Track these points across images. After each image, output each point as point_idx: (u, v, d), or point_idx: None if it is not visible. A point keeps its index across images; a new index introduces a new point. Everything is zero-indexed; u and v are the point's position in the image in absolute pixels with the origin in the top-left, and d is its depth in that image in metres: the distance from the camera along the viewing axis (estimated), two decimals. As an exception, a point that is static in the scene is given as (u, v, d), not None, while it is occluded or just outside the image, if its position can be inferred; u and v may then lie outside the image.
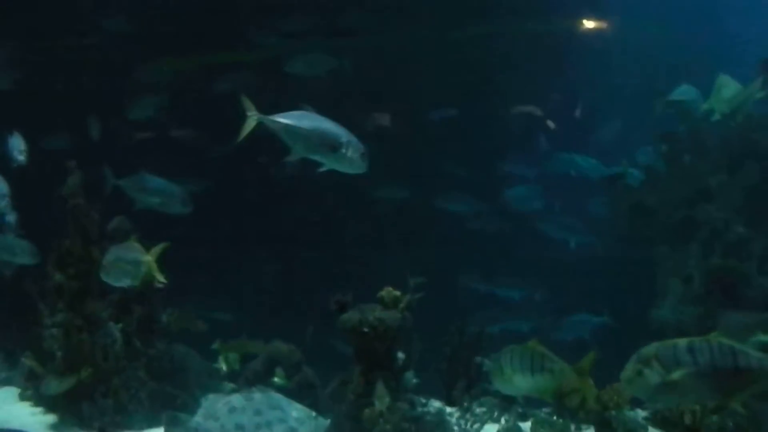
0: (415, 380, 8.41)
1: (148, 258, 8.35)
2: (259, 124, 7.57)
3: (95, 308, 9.29)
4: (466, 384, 8.84)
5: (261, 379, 9.49)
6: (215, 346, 9.99)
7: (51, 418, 9.28)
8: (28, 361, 9.80)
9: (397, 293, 8.22)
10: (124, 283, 8.48)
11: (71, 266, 9.40)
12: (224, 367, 9.90)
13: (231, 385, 9.95)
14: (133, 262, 8.35)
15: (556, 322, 12.69)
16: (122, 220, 9.68)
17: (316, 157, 7.72)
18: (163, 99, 13.69)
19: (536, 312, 13.16)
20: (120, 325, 9.38)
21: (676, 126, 11.86)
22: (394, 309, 8.17)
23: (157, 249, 8.41)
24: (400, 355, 8.28)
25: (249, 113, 7.58)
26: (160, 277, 8.49)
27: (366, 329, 8.03)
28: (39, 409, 9.53)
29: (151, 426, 9.06)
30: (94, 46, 13.70)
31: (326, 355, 10.05)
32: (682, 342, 5.59)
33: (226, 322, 11.10)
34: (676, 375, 5.50)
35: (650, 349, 5.66)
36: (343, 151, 7.58)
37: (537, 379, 6.61)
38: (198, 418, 8.14)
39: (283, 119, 7.56)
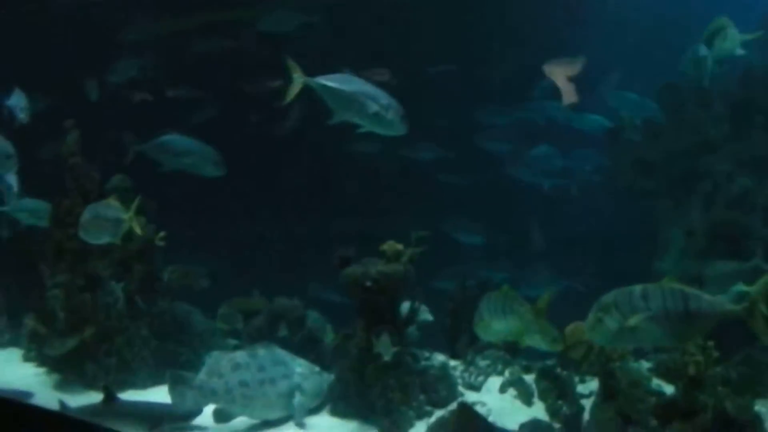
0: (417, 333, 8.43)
1: (129, 215, 8.34)
2: (305, 87, 7.72)
3: (96, 267, 9.29)
4: (469, 338, 8.81)
5: (264, 336, 9.50)
6: (221, 310, 10.02)
7: (55, 378, 9.33)
8: (30, 322, 9.82)
9: (400, 247, 8.21)
10: (103, 240, 8.52)
11: (71, 226, 9.35)
12: (224, 327, 9.91)
13: (234, 342, 9.97)
14: (112, 219, 8.35)
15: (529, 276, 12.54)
16: (123, 178, 9.67)
17: (357, 120, 7.91)
18: (147, 61, 13.55)
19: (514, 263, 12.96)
20: (122, 284, 9.38)
21: (677, 77, 11.74)
22: (397, 262, 8.16)
23: (133, 205, 8.41)
24: (405, 307, 8.30)
25: (295, 75, 7.74)
26: (140, 232, 8.49)
27: (369, 283, 8.02)
28: (43, 370, 9.58)
29: (155, 384, 9.10)
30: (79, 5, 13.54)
31: (329, 310, 10.04)
32: (637, 288, 5.88)
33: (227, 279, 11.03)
34: (632, 321, 5.82)
35: (609, 297, 5.96)
36: (384, 113, 7.79)
37: (509, 321, 6.85)
38: (202, 376, 8.15)
39: (328, 81, 7.75)
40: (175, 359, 9.36)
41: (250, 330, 9.77)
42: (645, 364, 8.48)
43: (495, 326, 6.99)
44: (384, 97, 7.91)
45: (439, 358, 8.41)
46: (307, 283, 12.08)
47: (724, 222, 10.41)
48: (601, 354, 7.94)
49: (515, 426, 7.46)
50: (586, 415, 7.68)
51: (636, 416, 7.20)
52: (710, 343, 7.17)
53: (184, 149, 10.24)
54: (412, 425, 7.81)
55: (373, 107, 7.82)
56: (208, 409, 8.05)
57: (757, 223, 10.46)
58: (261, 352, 8.33)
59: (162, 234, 9.56)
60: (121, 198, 9.26)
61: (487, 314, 6.99)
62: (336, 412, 8.32)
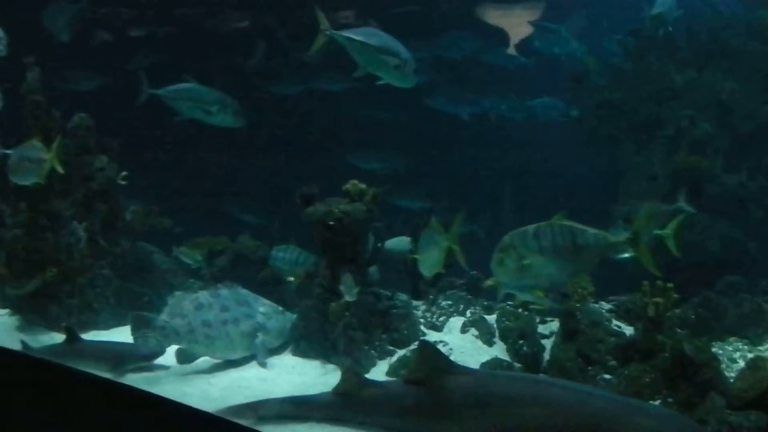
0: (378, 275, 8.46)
1: (50, 155, 8.32)
2: (330, 39, 8.03)
3: (58, 207, 9.20)
4: (432, 277, 8.85)
5: (227, 275, 9.50)
6: (181, 249, 9.96)
7: (17, 319, 9.26)
8: (-9, 263, 9.73)
9: (363, 186, 8.20)
10: (30, 181, 8.52)
11: (32, 165, 9.28)
12: (190, 262, 9.87)
13: (197, 283, 9.95)
14: (36, 160, 8.33)
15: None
16: (84, 118, 9.54)
17: (378, 73, 8.21)
18: (83, 7, 13.08)
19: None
20: (84, 224, 9.31)
21: (643, 22, 11.73)
22: (360, 202, 8.16)
23: (54, 145, 8.39)
24: (369, 244, 8.33)
25: (322, 27, 8.01)
26: (60, 170, 8.45)
27: (331, 222, 8.02)
28: (5, 311, 9.48)
29: (118, 325, 9.09)
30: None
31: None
32: (531, 228, 6.25)
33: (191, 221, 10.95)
34: (527, 259, 6.18)
35: (506, 238, 6.32)
36: (403, 66, 8.16)
37: (431, 252, 7.22)
38: (164, 317, 8.14)
39: (354, 35, 8.05)
40: (138, 299, 9.35)
41: (213, 270, 9.76)
42: (605, 306, 8.57)
43: (424, 259, 7.34)
44: (404, 52, 8.21)
45: (402, 297, 8.42)
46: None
47: (686, 166, 10.48)
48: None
49: (477, 365, 7.54)
50: (546, 355, 7.76)
51: (596, 356, 7.30)
52: (670, 285, 7.26)
53: (203, 97, 10.00)
54: (374, 364, 7.86)
55: (395, 61, 8.13)
56: (171, 349, 8.05)
57: (718, 168, 10.56)
58: (224, 292, 8.35)
59: (124, 173, 9.49)
60: (83, 138, 9.24)
61: (419, 249, 7.42)
62: (298, 352, 8.36)
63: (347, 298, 7.75)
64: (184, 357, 8.02)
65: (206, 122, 10.03)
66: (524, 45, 13.10)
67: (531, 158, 12.97)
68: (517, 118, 12.55)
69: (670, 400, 6.73)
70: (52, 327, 8.92)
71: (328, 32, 8.02)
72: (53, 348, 8.17)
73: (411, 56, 8.26)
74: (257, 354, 8.18)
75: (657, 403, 6.71)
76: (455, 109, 12.38)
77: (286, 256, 9.25)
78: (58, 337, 8.38)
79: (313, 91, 12.69)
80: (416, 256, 7.55)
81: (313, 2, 8.16)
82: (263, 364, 8.10)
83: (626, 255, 6.74)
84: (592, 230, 6.22)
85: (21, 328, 9.08)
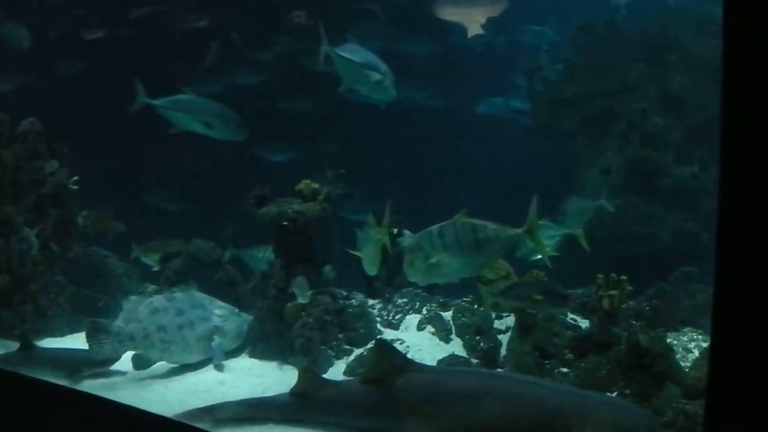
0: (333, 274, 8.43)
1: None
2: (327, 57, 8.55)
3: (9, 213, 9.09)
4: (386, 275, 8.85)
5: (182, 279, 9.44)
6: (135, 253, 9.86)
7: (-31, 327, 9.14)
8: (-57, 271, 9.60)
9: (316, 185, 8.21)
10: None
11: (-19, 171, 9.19)
12: (151, 263, 9.77)
13: (152, 287, 9.88)
14: None
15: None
16: (33, 123, 9.44)
17: (360, 88, 8.80)
18: None
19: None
20: (36, 230, 9.21)
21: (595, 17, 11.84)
22: (313, 201, 8.15)
23: None
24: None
25: (323, 47, 8.51)
26: None
27: (285, 222, 8.00)
28: (-44, 319, 9.36)
29: (72, 331, 9.03)
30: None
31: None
32: (435, 228, 6.50)
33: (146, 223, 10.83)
34: (434, 258, 6.43)
35: (414, 239, 6.64)
36: (382, 80, 8.63)
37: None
38: (119, 322, 8.10)
39: (341, 51, 8.56)
40: (93, 305, 9.28)
41: (168, 273, 9.70)
42: (560, 300, 8.60)
43: (365, 257, 7.45)
44: (383, 66, 8.69)
45: (358, 296, 8.41)
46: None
47: (638, 159, 10.57)
48: (518, 290, 8.06)
49: (434, 362, 7.54)
50: (503, 350, 7.78)
51: (552, 350, 7.33)
52: (624, 278, 7.31)
53: (202, 110, 9.68)
54: (331, 364, 7.83)
55: (376, 77, 8.61)
56: (127, 355, 7.98)
57: (670, 160, 10.66)
58: (179, 295, 8.31)
59: (75, 178, 9.40)
60: (33, 143, 9.15)
61: (359, 248, 7.59)
62: (255, 353, 8.33)
63: (300, 300, 7.73)
64: (140, 362, 7.95)
65: (205, 135, 9.78)
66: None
67: (478, 152, 12.91)
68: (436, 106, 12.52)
69: (626, 391, 6.77)
70: (6, 335, 8.81)
71: (326, 49, 8.47)
72: (7, 356, 8.09)
73: (389, 70, 8.68)
74: (214, 357, 8.13)
75: (614, 394, 6.75)
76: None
77: (266, 256, 9.11)
78: (13, 345, 8.28)
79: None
80: (359, 254, 7.55)
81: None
82: (220, 367, 8.06)
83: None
84: (491, 225, 6.47)
85: (-25, 337, 8.98)
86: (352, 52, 8.61)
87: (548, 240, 7.89)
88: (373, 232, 7.08)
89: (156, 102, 9.60)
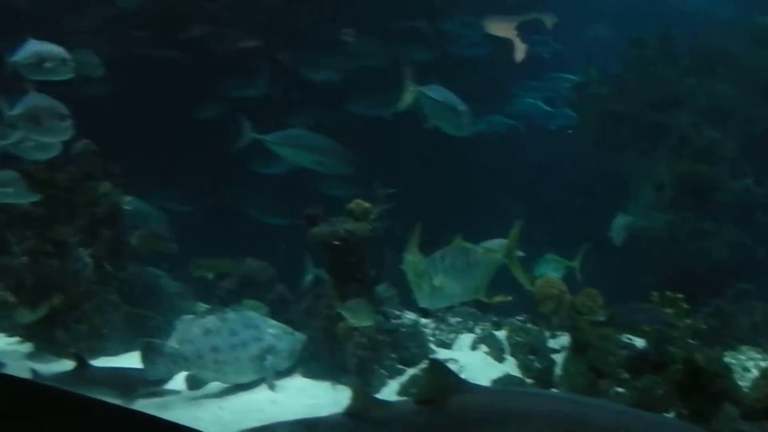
0: (388, 293, 8.41)
1: None
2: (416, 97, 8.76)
3: (63, 234, 9.19)
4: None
5: (235, 298, 9.47)
6: (192, 268, 9.92)
7: (26, 347, 9.25)
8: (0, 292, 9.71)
9: (367, 205, 8.21)
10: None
11: (37, 192, 9.27)
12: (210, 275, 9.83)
13: (205, 306, 9.93)
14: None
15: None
16: (88, 144, 9.52)
17: (441, 123, 9.05)
18: None
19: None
20: (89, 250, 9.29)
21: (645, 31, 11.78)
22: (365, 221, 8.16)
23: None
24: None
25: (408, 84, 8.68)
26: None
27: (337, 242, 8.01)
28: (13, 339, 9.47)
29: (126, 350, 9.05)
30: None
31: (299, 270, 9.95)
32: (438, 253, 6.58)
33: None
34: (436, 281, 6.53)
35: (422, 265, 6.62)
36: (462, 119, 8.97)
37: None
38: (173, 343, 8.11)
39: (432, 93, 8.82)
40: (145, 324, 9.31)
41: (220, 293, 9.74)
42: (615, 318, 8.54)
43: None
44: (461, 104, 9.02)
45: (410, 315, 8.39)
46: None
47: (691, 174, 10.46)
48: (571, 308, 8.01)
49: (488, 382, 7.50)
50: (558, 370, 7.72)
51: (607, 369, 7.25)
52: (680, 296, 7.23)
53: (312, 145, 9.89)
54: (384, 384, 7.83)
55: (457, 117, 8.97)
56: (181, 375, 8.01)
57: (724, 175, 10.54)
58: (231, 315, 8.31)
59: (129, 198, 9.48)
60: (86, 164, 9.24)
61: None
62: (308, 373, 8.35)
63: (354, 323, 7.70)
64: (194, 383, 7.99)
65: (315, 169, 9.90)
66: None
67: (534, 166, 12.84)
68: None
69: (684, 411, 6.68)
70: (61, 354, 8.88)
71: (415, 90, 8.69)
72: (63, 375, 8.11)
73: (467, 108, 9.05)
74: (267, 377, 8.14)
75: (671, 415, 6.65)
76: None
77: None
78: (68, 364, 8.32)
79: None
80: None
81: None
82: (273, 387, 8.07)
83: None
84: (480, 249, 6.59)
85: (30, 356, 9.06)
86: (437, 93, 8.88)
87: (554, 272, 8.36)
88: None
89: (266, 137, 9.77)
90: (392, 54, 12.37)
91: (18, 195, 8.43)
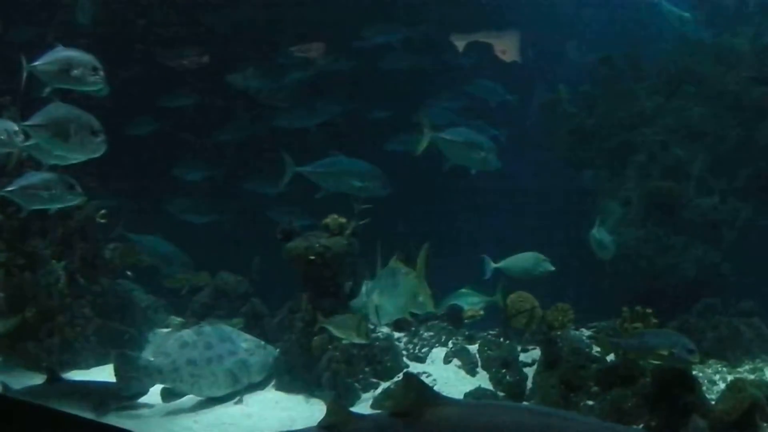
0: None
1: None
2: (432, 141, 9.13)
3: (36, 246, 9.15)
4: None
5: (209, 311, 9.49)
6: (165, 282, 9.93)
7: (-4, 359, 9.19)
8: (-29, 304, 9.66)
9: (343, 220, 8.27)
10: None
11: (10, 204, 9.22)
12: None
13: (178, 319, 9.93)
14: None
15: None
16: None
17: (463, 163, 9.47)
18: None
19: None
20: (62, 263, 9.26)
21: (614, 50, 11.92)
22: (340, 236, 8.21)
23: None
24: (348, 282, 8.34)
25: (426, 130, 9.04)
26: None
27: (312, 257, 8.05)
28: (-17, 351, 9.41)
29: (99, 363, 9.01)
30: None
31: (273, 285, 9.98)
32: (378, 273, 6.78)
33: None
34: (374, 299, 6.82)
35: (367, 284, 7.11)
36: (484, 155, 9.32)
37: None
38: (148, 355, 8.12)
39: (449, 136, 9.22)
40: (119, 338, 9.28)
41: (194, 306, 9.75)
42: (586, 332, 8.64)
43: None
44: (486, 143, 9.45)
45: (384, 329, 8.45)
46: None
47: (659, 191, 10.59)
48: (543, 323, 8.11)
49: (460, 395, 7.56)
50: (529, 383, 7.80)
51: (578, 383, 7.34)
52: (649, 311, 7.34)
53: (351, 171, 9.88)
54: (358, 397, 7.89)
55: (481, 154, 9.32)
56: (154, 388, 8.01)
57: (691, 192, 10.68)
58: (207, 329, 8.34)
59: (103, 212, 9.47)
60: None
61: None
62: (282, 386, 8.36)
63: (358, 341, 7.66)
64: (168, 396, 7.98)
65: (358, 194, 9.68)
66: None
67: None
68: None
69: (653, 423, 6.78)
70: (33, 367, 8.82)
71: (430, 135, 9.01)
72: (34, 389, 8.06)
73: (492, 145, 9.47)
74: (241, 390, 8.18)
75: (640, 427, 6.75)
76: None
77: None
78: (39, 378, 8.29)
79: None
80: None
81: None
82: (241, 401, 8.13)
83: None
84: (404, 268, 6.62)
85: (1, 369, 8.99)
86: (458, 135, 9.33)
87: (472, 306, 8.70)
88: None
89: (306, 168, 9.80)
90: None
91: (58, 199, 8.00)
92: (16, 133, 7.81)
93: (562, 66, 13.15)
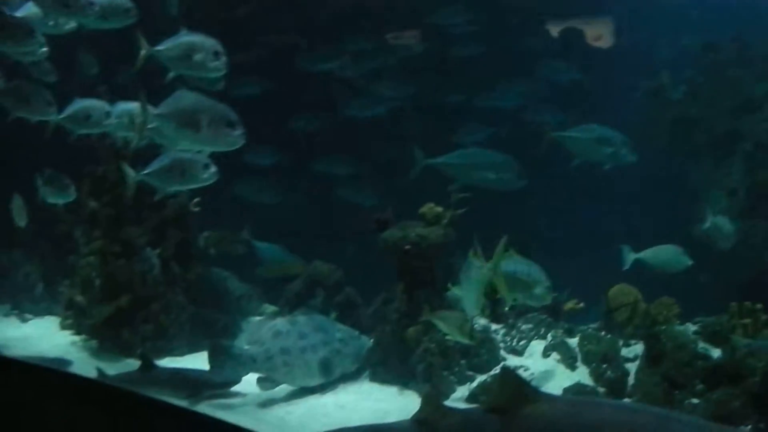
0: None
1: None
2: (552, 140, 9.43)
3: (131, 234, 9.23)
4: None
5: (302, 301, 9.45)
6: (259, 271, 9.93)
7: (92, 346, 9.34)
8: (67, 290, 9.80)
9: (439, 209, 8.14)
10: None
11: (106, 193, 9.32)
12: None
13: (272, 308, 9.93)
14: None
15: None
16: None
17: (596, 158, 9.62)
18: None
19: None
20: (157, 251, 9.32)
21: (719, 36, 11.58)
22: (437, 225, 8.08)
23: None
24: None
25: (547, 131, 9.50)
26: None
27: (407, 246, 7.94)
28: (80, 338, 9.56)
29: (192, 351, 9.09)
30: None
31: (368, 274, 9.89)
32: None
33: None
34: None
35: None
36: (615, 150, 9.47)
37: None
38: (242, 344, 8.11)
39: (575, 133, 9.50)
40: (213, 325, 9.34)
41: (288, 295, 9.73)
42: (691, 327, 8.33)
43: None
44: (617, 138, 9.53)
45: (481, 321, 8.29)
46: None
47: (766, 181, 10.27)
48: (646, 317, 7.84)
49: (559, 390, 7.36)
50: (630, 379, 7.56)
51: (682, 380, 7.08)
52: (758, 306, 7.05)
53: (486, 163, 9.78)
54: (453, 390, 7.71)
55: (610, 149, 9.49)
56: (247, 377, 7.99)
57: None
58: (301, 318, 8.29)
59: (196, 200, 9.49)
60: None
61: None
62: (376, 377, 8.26)
63: (461, 340, 7.52)
64: (262, 385, 7.94)
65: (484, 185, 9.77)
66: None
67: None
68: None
69: (761, 425, 6.50)
70: (127, 354, 8.94)
71: (553, 134, 9.35)
72: (129, 375, 8.13)
73: (626, 140, 9.54)
74: (335, 381, 8.13)
75: (747, 428, 6.48)
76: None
77: None
78: (134, 364, 8.35)
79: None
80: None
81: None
82: (340, 391, 8.05)
83: None
84: (478, 262, 6.57)
85: (96, 355, 9.15)
86: (584, 132, 9.51)
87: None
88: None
89: (438, 160, 9.78)
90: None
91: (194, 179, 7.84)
92: (107, 114, 7.87)
93: (663, 51, 12.77)
